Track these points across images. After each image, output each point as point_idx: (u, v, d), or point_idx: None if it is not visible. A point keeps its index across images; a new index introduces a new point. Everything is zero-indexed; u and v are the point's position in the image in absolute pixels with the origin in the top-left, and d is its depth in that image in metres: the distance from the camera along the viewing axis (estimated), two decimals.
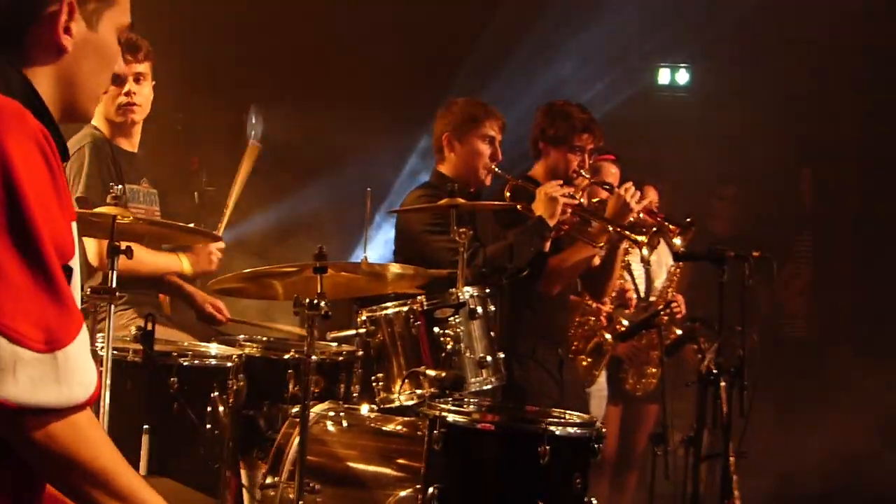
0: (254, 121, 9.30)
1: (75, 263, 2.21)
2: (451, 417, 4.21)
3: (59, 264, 2.09)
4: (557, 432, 4.16)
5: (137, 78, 5.56)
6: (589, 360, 6.67)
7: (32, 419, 2.07)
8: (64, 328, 2.08)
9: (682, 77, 10.45)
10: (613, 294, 6.82)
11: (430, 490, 4.13)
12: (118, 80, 5.36)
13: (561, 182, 5.86)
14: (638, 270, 7.33)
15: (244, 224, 8.12)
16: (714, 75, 10.28)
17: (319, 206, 8.77)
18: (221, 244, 5.83)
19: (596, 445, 4.25)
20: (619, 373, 7.27)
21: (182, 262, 5.70)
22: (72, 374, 2.08)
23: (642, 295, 7.35)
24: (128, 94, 5.55)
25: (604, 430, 4.35)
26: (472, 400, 4.68)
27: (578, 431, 4.29)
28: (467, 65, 9.35)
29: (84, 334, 2.15)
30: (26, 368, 2.02)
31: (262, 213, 8.61)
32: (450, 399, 4.52)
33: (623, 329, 6.67)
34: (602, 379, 6.94)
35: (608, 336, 6.65)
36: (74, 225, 2.24)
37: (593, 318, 6.68)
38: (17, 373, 2.01)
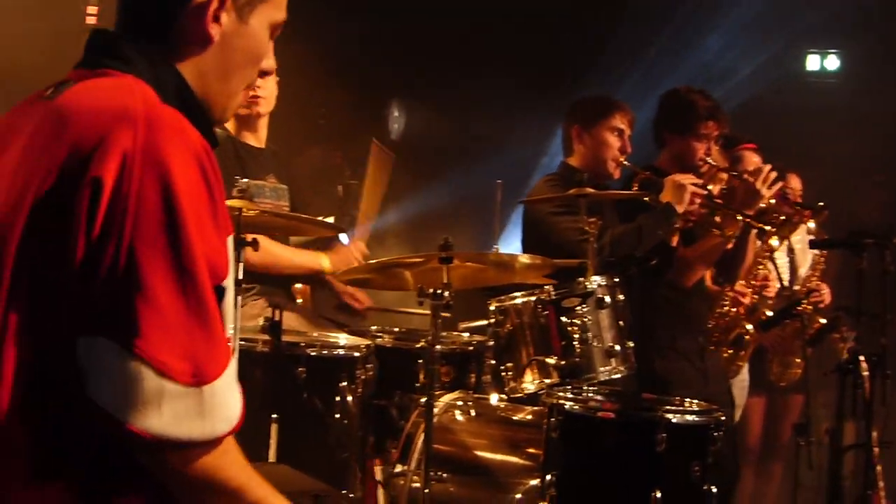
0: (396, 114, 9.44)
1: (229, 283, 2.11)
2: (568, 405, 4.23)
3: (212, 292, 2.02)
4: (674, 420, 4.14)
5: (262, 73, 5.58)
6: (730, 351, 6.59)
7: (172, 452, 2.01)
8: (213, 361, 2.01)
9: (832, 63, 10.30)
10: (755, 282, 6.72)
11: (548, 478, 4.16)
12: None
13: (692, 174, 5.80)
14: (782, 259, 7.18)
15: (386, 215, 8.20)
16: (865, 61, 10.07)
17: (460, 197, 8.82)
18: (363, 246, 5.85)
19: (716, 433, 4.20)
20: (764, 362, 7.17)
21: (322, 261, 5.66)
22: (217, 409, 2.02)
23: (786, 283, 7.22)
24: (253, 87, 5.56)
25: (723, 417, 4.30)
26: (591, 388, 4.65)
27: (696, 419, 4.27)
28: (608, 53, 9.31)
29: (232, 367, 2.07)
30: (171, 402, 1.95)
31: (404, 203, 8.69)
32: (569, 387, 4.53)
33: (765, 318, 6.59)
34: (745, 369, 6.86)
35: (749, 327, 6.56)
36: (230, 240, 2.13)
37: (734, 309, 6.60)
38: (163, 406, 1.94)
